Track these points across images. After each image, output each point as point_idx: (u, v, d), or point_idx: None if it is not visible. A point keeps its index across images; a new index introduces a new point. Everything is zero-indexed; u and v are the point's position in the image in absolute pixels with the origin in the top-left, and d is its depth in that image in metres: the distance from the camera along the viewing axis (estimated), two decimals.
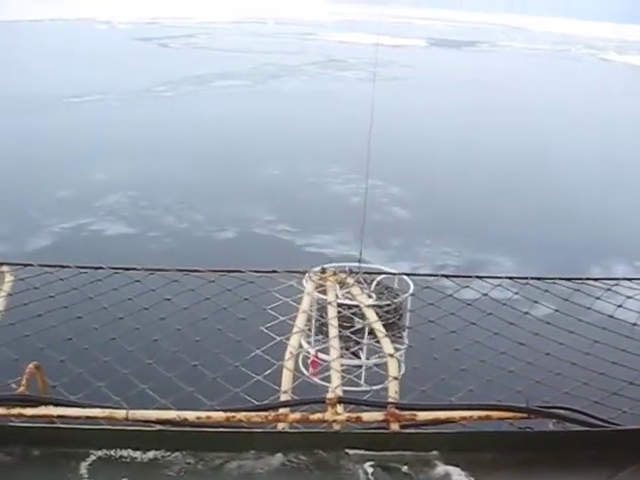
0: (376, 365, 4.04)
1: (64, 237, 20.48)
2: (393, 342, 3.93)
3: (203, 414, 2.99)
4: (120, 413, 2.95)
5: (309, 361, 4.13)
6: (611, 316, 4.29)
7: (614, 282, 4.49)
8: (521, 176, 27.87)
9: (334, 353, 3.69)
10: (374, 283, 4.63)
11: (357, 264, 4.98)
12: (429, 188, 26.31)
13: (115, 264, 4.22)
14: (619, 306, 4.39)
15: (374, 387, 3.64)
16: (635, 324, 4.19)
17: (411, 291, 4.48)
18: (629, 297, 4.43)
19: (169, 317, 3.84)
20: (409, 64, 50.80)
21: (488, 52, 61.76)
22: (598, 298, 4.40)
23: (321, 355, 4.14)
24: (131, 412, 2.96)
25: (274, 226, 22.40)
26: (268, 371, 3.52)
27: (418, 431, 3.05)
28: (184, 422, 2.98)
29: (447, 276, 4.41)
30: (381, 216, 22.54)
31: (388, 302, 4.49)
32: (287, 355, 3.67)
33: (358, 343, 4.11)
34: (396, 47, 55.48)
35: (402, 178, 26.25)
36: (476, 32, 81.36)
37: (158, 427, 2.91)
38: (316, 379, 3.79)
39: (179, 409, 3.04)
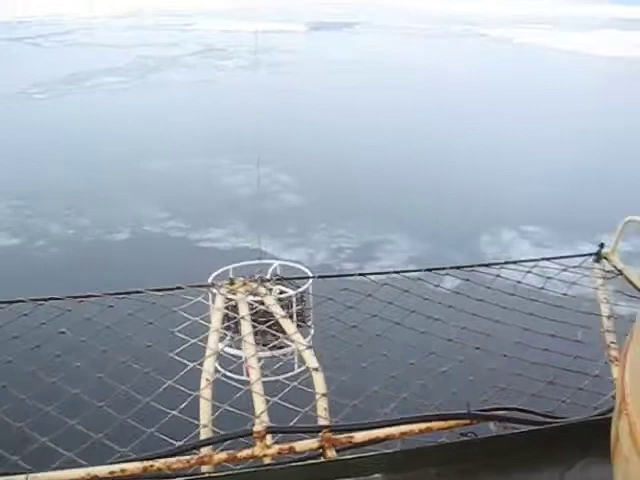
0: (301, 377, 3.73)
1: None
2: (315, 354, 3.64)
3: (116, 467, 2.63)
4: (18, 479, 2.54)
5: (245, 366, 3.70)
6: (534, 300, 4.15)
7: (533, 264, 4.36)
8: (407, 156, 28.15)
9: (254, 374, 3.36)
10: (285, 287, 4.33)
11: (258, 261, 4.74)
12: (317, 172, 26.20)
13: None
14: (541, 288, 4.26)
15: (303, 408, 3.31)
16: (560, 306, 4.07)
17: (308, 287, 4.22)
18: (549, 278, 4.31)
19: (65, 353, 3.42)
20: (290, 49, 50.48)
21: (367, 33, 62.08)
22: (519, 282, 4.25)
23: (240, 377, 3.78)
24: (31, 476, 2.56)
25: (165, 223, 21.76)
26: (184, 404, 3.15)
27: (357, 455, 2.80)
28: None
29: (364, 274, 4.14)
30: (273, 204, 22.26)
31: (306, 308, 4.22)
32: (203, 383, 3.31)
33: (279, 358, 3.81)
34: (277, 32, 55.07)
35: (290, 164, 26.02)
36: (352, 12, 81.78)
37: None
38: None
39: (88, 464, 2.66)
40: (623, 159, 26.62)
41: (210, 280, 4.30)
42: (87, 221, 21.80)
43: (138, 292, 3.78)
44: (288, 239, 20.52)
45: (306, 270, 4.55)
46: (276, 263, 4.54)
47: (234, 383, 3.39)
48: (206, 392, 3.27)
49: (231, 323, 3.90)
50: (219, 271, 4.39)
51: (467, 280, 4.15)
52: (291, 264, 4.84)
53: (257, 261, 4.76)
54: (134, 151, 28.20)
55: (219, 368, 3.60)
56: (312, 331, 4.17)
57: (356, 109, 34.58)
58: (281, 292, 4.21)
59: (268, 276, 4.35)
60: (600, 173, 25.68)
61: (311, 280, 4.27)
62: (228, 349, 3.85)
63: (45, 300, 3.63)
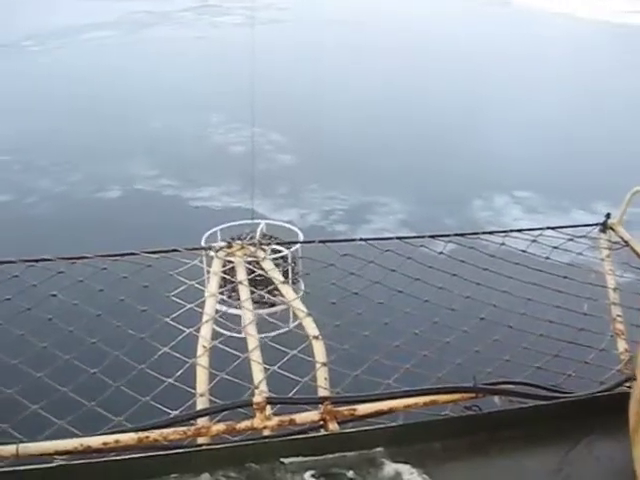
0: (301, 346, 3.63)
1: None
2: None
3: (110, 438, 2.52)
4: (8, 449, 2.43)
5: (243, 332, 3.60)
6: (539, 270, 4.04)
7: (538, 232, 4.25)
8: (400, 117, 27.88)
9: (252, 342, 3.25)
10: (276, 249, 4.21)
11: (250, 220, 4.67)
12: (311, 132, 25.96)
13: None
14: (547, 258, 4.15)
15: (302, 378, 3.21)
16: (566, 277, 3.97)
17: (298, 250, 4.14)
18: (555, 247, 4.20)
19: (57, 317, 3.29)
20: (288, 7, 49.54)
21: None
22: (524, 251, 4.15)
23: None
24: (22, 446, 2.45)
25: (157, 181, 21.57)
26: (180, 372, 3.04)
27: (359, 429, 2.71)
28: (88, 450, 2.50)
29: (366, 239, 4.02)
30: (265, 164, 22.07)
31: (302, 272, 4.12)
32: (199, 350, 3.20)
33: (278, 325, 3.70)
34: None
35: (283, 123, 25.74)
36: None
37: (58, 461, 2.43)
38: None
39: (81, 434, 2.56)
40: (619, 124, 26.42)
41: (203, 241, 4.21)
42: (78, 177, 21.56)
43: (132, 254, 3.66)
44: (280, 199, 20.38)
45: (297, 230, 4.51)
46: (262, 223, 4.49)
47: (232, 350, 3.29)
48: (203, 359, 3.16)
49: (228, 288, 3.80)
50: (211, 231, 4.31)
51: (471, 248, 4.04)
52: (283, 224, 4.79)
53: (249, 221, 4.69)
54: (125, 107, 27.84)
55: (218, 329, 3.49)
56: (301, 293, 4.10)
57: (351, 69, 34.19)
58: (273, 251, 4.13)
59: (258, 235, 4.29)
60: (595, 138, 25.53)
61: (299, 245, 4.19)
62: (226, 315, 3.75)
63: (36, 261, 3.49)
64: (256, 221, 4.62)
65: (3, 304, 3.29)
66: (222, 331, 3.53)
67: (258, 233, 4.32)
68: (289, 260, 4.19)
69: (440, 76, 33.75)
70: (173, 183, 21.45)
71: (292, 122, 26.36)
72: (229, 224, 4.46)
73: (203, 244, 4.21)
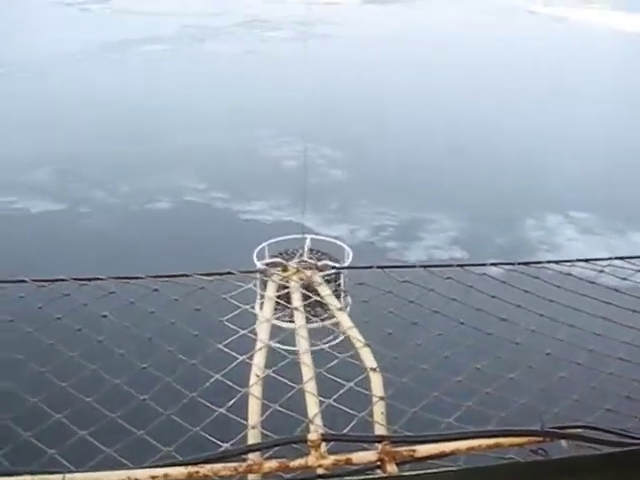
0: (357, 379, 3.47)
1: None
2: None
3: (159, 472, 2.40)
4: (54, 479, 2.33)
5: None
6: (609, 302, 3.82)
7: (607, 262, 4.04)
8: (452, 134, 27.60)
9: (307, 373, 3.11)
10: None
11: (301, 235, 4.60)
12: (362, 147, 25.85)
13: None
14: (615, 290, 3.93)
15: (359, 413, 3.04)
16: (635, 311, 3.74)
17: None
18: (624, 279, 3.98)
19: (107, 339, 3.19)
20: (339, 22, 49.54)
21: (420, 8, 60.40)
22: (592, 282, 3.93)
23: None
24: (69, 476, 2.34)
25: (207, 194, 21.69)
26: (232, 402, 2.91)
27: (419, 472, 2.54)
28: None
29: (426, 266, 3.84)
30: (317, 179, 22.01)
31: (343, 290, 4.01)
32: (252, 379, 3.07)
33: (334, 354, 3.55)
34: (328, 4, 54.04)
35: (334, 138, 25.65)
36: None
37: None
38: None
39: (129, 464, 2.45)
40: None
41: (255, 256, 4.13)
42: (130, 189, 21.75)
43: (185, 275, 3.54)
44: (330, 214, 20.30)
45: (345, 246, 4.48)
46: (308, 239, 4.43)
47: (285, 380, 3.15)
48: (255, 389, 3.03)
49: (284, 313, 3.68)
50: (261, 246, 4.24)
51: (536, 278, 3.83)
52: (332, 240, 4.71)
53: (299, 235, 4.63)
54: (178, 122, 28.03)
55: (271, 357, 3.35)
56: (348, 308, 4.01)
57: (402, 85, 34.02)
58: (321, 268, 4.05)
59: (306, 250, 4.21)
60: None
61: (349, 267, 4.09)
62: (280, 342, 3.61)
63: (88, 280, 3.40)
64: (305, 236, 4.55)
65: (55, 324, 3.20)
66: (276, 354, 3.40)
67: (306, 248, 4.26)
68: (341, 284, 4.07)
69: (490, 92, 33.41)
70: (223, 196, 21.56)
71: (343, 138, 26.27)
72: (279, 239, 4.42)
73: (255, 258, 4.14)
